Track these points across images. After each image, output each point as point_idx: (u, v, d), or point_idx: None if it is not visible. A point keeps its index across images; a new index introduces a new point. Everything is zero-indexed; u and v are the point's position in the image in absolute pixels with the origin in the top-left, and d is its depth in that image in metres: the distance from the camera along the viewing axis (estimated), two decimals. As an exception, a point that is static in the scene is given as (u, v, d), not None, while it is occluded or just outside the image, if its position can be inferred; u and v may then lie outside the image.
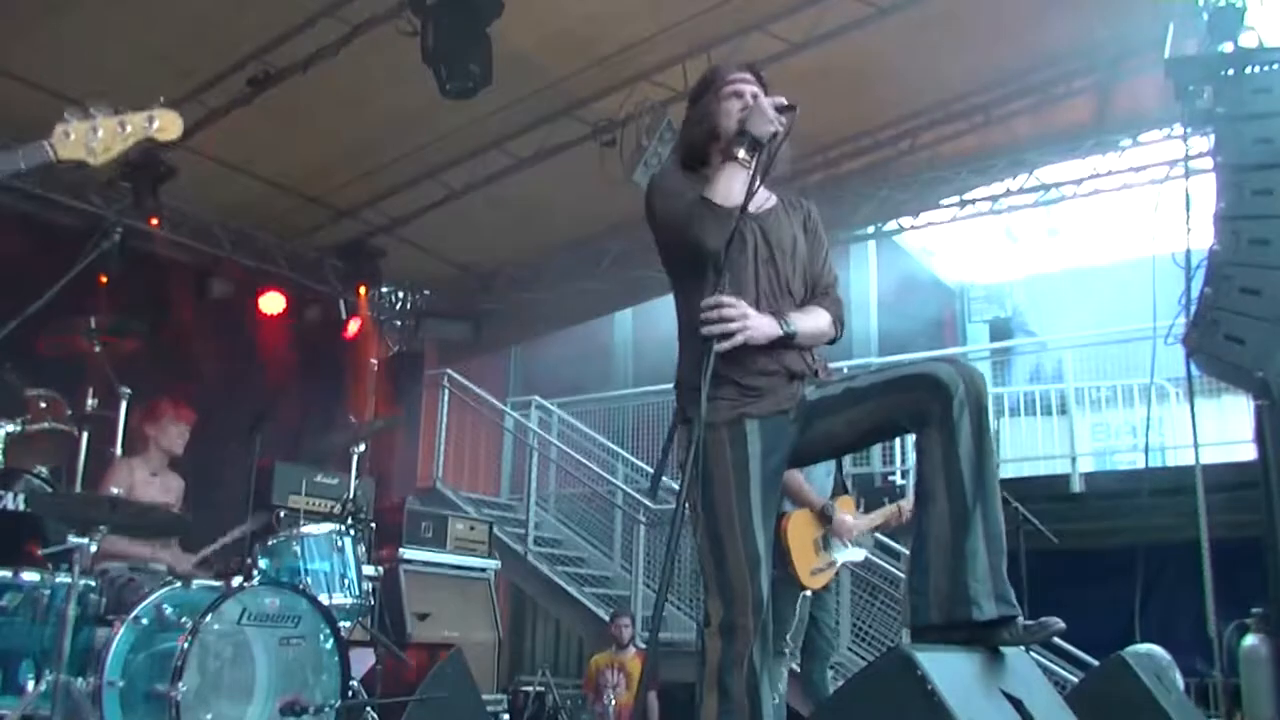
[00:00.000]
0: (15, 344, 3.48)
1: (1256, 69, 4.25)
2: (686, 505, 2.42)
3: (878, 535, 5.46)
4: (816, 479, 4.79)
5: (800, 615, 4.61)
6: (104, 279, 5.83)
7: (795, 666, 4.80)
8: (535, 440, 10.27)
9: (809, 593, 4.68)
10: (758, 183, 2.46)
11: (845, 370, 4.41)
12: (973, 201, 7.91)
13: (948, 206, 8.00)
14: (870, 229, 8.60)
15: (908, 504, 5.02)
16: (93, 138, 2.30)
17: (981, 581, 2.37)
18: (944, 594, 2.39)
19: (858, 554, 5.00)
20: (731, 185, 2.45)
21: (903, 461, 9.81)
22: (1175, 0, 4.82)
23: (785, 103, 2.52)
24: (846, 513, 4.96)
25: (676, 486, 2.75)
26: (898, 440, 8.75)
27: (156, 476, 4.90)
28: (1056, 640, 5.28)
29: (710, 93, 2.68)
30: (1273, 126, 4.09)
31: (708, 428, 2.37)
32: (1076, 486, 9.00)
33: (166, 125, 2.40)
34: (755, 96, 2.57)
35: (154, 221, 7.16)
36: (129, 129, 2.35)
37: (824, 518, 4.77)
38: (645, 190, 2.68)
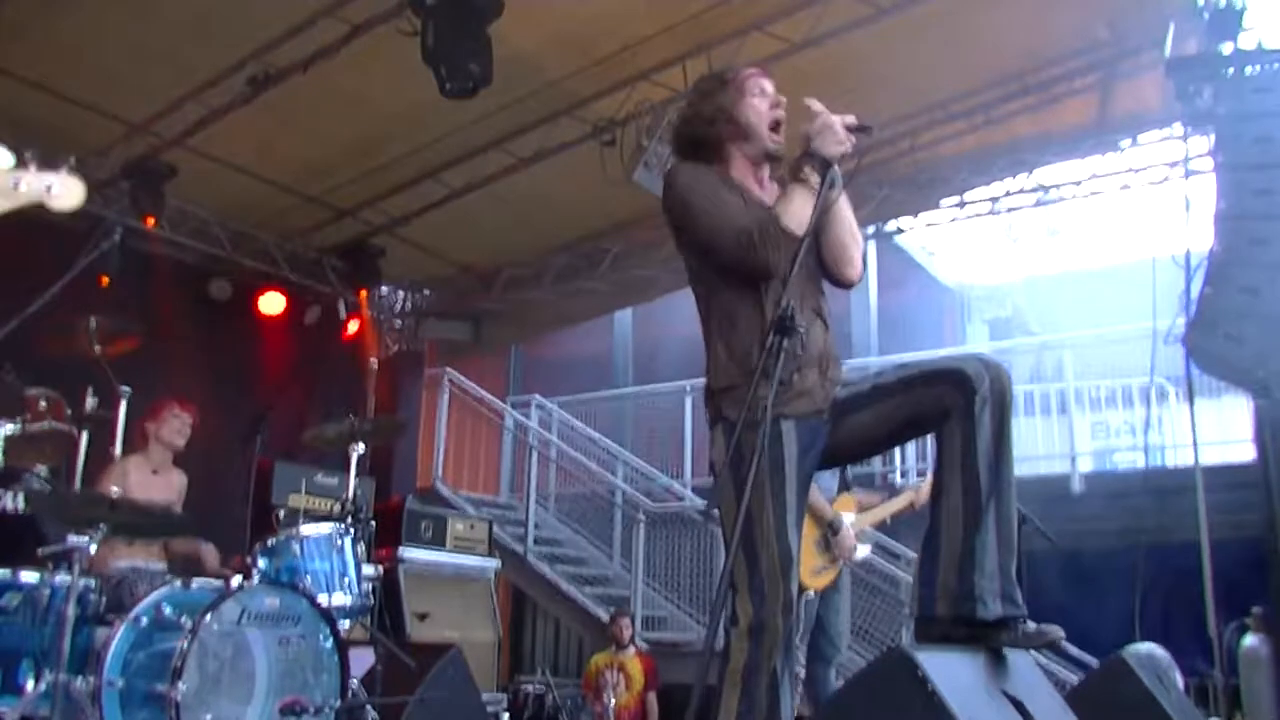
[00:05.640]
0: (15, 344, 3.48)
1: (1256, 69, 4.25)
2: (720, 505, 2.44)
3: (878, 536, 5.49)
4: (823, 478, 4.80)
5: (806, 617, 4.62)
6: (104, 279, 5.84)
7: (799, 671, 4.80)
8: (535, 440, 10.27)
9: (813, 593, 4.69)
10: (831, 203, 2.47)
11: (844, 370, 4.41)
12: (973, 201, 7.90)
13: (948, 206, 7.99)
14: (870, 229, 8.59)
15: (922, 487, 5.09)
16: None
17: (989, 579, 2.37)
18: (951, 588, 2.41)
19: (862, 550, 5.03)
20: (802, 211, 2.40)
21: (902, 461, 9.81)
22: (1175, 0, 4.83)
23: (857, 122, 2.47)
24: (848, 513, 5.00)
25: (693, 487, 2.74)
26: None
27: (158, 474, 4.91)
28: (1056, 640, 5.29)
29: (729, 87, 2.62)
30: (1273, 126, 4.09)
31: (745, 427, 2.33)
32: (1076, 486, 9.00)
33: (65, 193, 2.15)
34: (820, 114, 2.48)
35: (150, 221, 7.13)
36: (22, 189, 2.10)
37: (831, 530, 4.78)
38: (673, 188, 2.55)
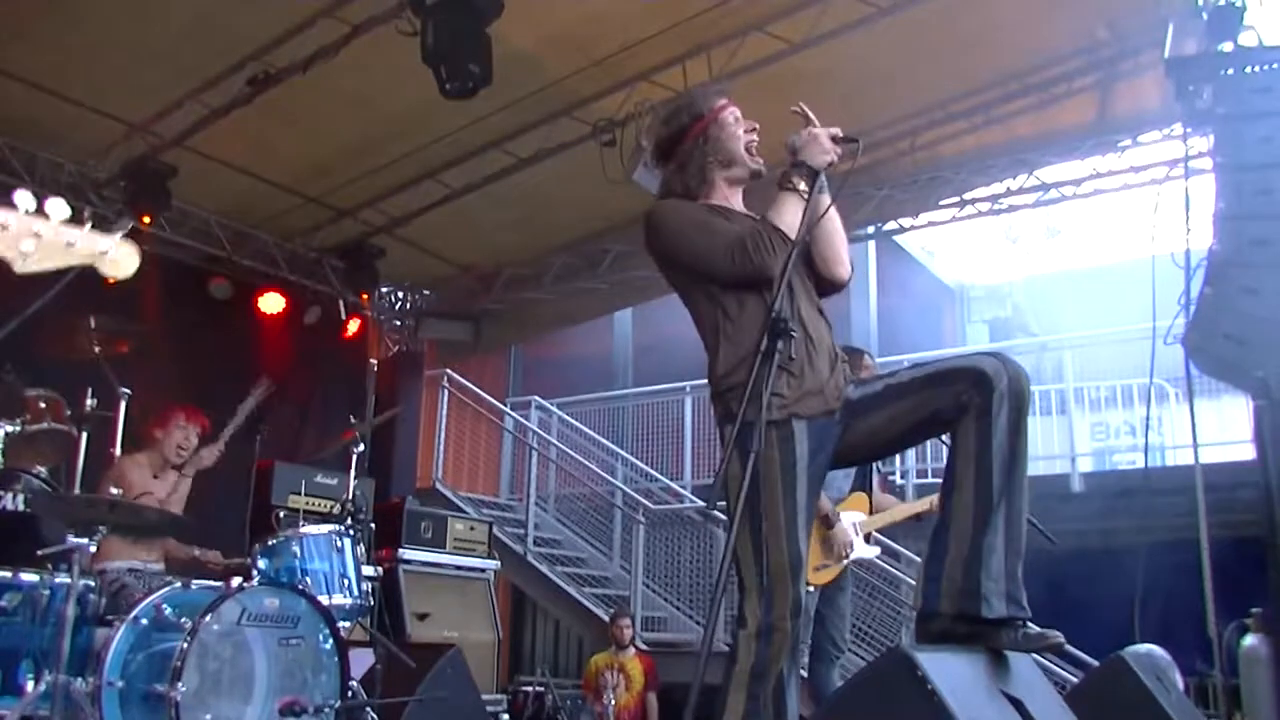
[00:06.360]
0: (15, 344, 3.48)
1: (1256, 69, 4.24)
2: (725, 505, 2.42)
3: (878, 537, 5.46)
4: (834, 479, 4.78)
5: (807, 612, 4.62)
6: (106, 279, 5.83)
7: (803, 672, 4.80)
8: (535, 440, 10.27)
9: (813, 588, 4.68)
10: (821, 210, 2.52)
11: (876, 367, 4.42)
12: (973, 201, 7.90)
13: (948, 206, 7.99)
14: (870, 229, 8.59)
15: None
16: (27, 240, 1.84)
17: (995, 580, 2.38)
18: (956, 585, 2.40)
19: (870, 551, 5.01)
20: (794, 217, 2.45)
21: (901, 462, 9.80)
22: (1175, 0, 4.82)
23: (842, 134, 2.53)
24: (858, 512, 4.96)
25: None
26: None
27: (158, 478, 4.90)
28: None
29: (703, 123, 2.68)
30: (1273, 126, 4.08)
31: (756, 427, 2.33)
32: (1076, 486, 9.00)
33: (120, 260, 1.96)
34: (809, 126, 2.54)
35: (145, 221, 7.11)
36: (79, 247, 1.91)
37: (825, 524, 4.77)
38: (660, 225, 2.63)
